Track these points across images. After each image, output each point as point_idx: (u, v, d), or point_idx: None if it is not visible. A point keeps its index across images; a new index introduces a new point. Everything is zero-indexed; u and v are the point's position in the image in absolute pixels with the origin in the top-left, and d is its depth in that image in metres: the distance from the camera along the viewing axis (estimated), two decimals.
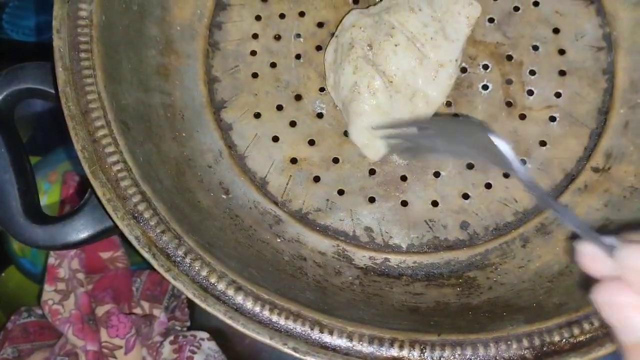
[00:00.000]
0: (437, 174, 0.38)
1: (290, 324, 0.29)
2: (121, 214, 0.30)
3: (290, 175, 0.38)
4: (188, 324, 0.53)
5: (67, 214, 0.34)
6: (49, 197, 0.57)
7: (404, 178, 0.38)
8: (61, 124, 0.33)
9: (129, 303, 0.50)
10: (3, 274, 0.57)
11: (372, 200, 0.38)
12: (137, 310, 0.51)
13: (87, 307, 0.47)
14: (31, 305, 0.52)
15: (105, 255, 0.52)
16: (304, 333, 0.29)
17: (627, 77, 0.39)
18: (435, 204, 0.38)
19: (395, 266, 0.36)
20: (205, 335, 0.51)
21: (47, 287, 0.48)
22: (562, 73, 0.39)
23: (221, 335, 0.53)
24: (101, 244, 0.52)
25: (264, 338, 0.29)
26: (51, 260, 0.50)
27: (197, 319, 0.54)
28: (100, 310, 0.47)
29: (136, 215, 0.30)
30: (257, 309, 0.29)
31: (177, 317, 0.53)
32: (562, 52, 0.40)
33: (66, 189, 0.56)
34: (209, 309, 0.29)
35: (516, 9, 0.41)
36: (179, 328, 0.52)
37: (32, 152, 0.57)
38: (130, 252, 0.54)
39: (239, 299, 0.29)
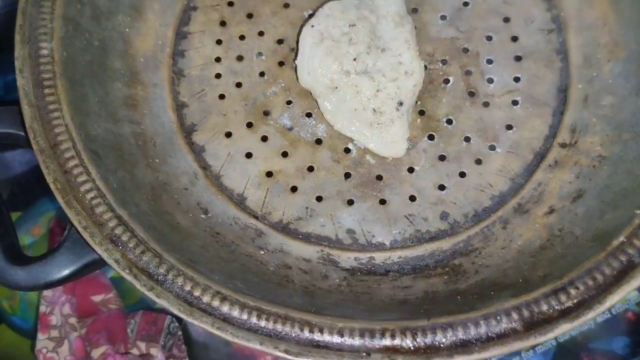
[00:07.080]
0: (411, 170, 0.39)
1: (279, 327, 0.29)
2: (99, 239, 0.30)
3: (268, 189, 0.39)
4: None
5: (48, 252, 0.34)
6: (33, 251, 0.57)
7: (379, 177, 0.39)
8: (41, 178, 0.33)
9: (125, 344, 0.49)
10: None
11: (350, 202, 0.38)
12: (134, 351, 0.50)
13: (81, 352, 0.46)
14: None
15: (97, 298, 0.51)
16: (294, 334, 0.29)
17: (580, 54, 0.40)
18: (412, 198, 0.38)
19: (381, 263, 0.37)
20: None
21: (40, 336, 0.48)
22: (517, 58, 0.41)
23: None
24: (92, 287, 0.52)
25: (255, 344, 0.28)
26: (42, 309, 0.49)
27: (196, 354, 0.53)
28: (96, 353, 0.46)
29: (114, 239, 0.30)
30: (245, 316, 0.29)
31: (174, 354, 0.52)
32: (515, 38, 0.41)
33: (54, 238, 0.56)
34: (196, 322, 0.29)
35: (465, 4, 0.42)
36: None
37: (11, 208, 0.57)
38: (123, 294, 0.54)
39: (225, 309, 0.29)
